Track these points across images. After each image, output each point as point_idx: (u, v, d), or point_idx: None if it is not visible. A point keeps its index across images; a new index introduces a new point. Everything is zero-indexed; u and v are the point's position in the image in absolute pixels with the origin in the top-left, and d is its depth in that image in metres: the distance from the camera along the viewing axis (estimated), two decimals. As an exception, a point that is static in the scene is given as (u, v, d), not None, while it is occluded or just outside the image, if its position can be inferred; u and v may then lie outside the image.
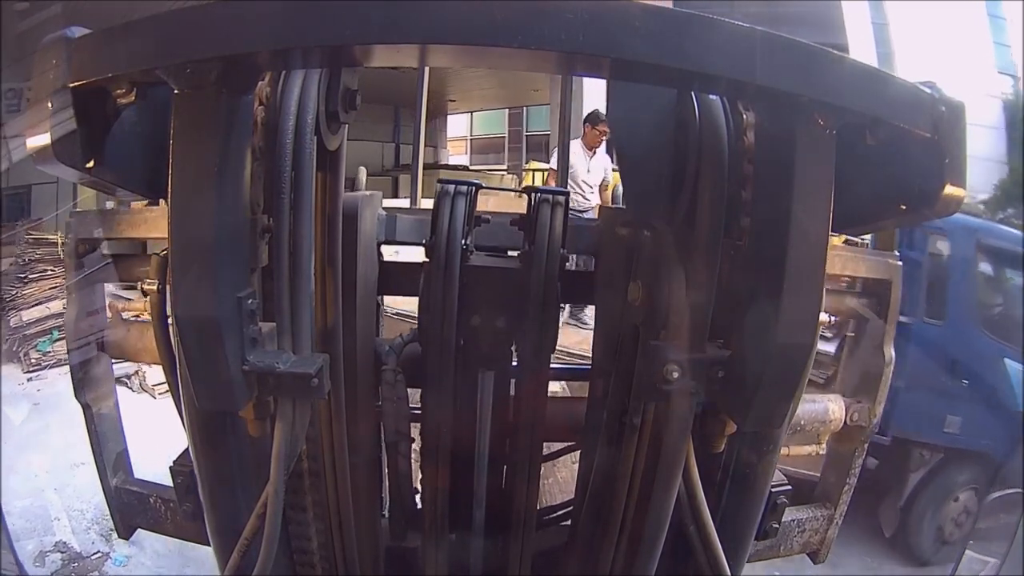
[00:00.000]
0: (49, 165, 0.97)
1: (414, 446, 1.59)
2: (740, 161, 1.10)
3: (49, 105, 0.92)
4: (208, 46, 0.84)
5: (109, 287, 1.71)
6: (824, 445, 1.71)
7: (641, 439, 1.38)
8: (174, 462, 1.57)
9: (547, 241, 1.42)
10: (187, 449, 1.37)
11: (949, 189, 0.94)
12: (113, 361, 1.72)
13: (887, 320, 1.60)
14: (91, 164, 1.03)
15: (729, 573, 1.25)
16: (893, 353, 1.63)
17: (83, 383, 1.67)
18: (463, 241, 1.42)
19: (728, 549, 1.26)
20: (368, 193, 1.64)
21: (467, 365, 1.47)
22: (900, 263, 1.61)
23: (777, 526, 1.54)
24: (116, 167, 1.10)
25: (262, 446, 1.16)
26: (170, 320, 1.22)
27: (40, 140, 0.95)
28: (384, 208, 1.70)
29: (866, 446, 1.75)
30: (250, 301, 1.06)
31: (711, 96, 1.13)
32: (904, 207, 1.03)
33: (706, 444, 1.21)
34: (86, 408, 1.71)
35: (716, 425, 1.19)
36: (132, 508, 1.75)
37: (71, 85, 0.91)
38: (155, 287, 1.34)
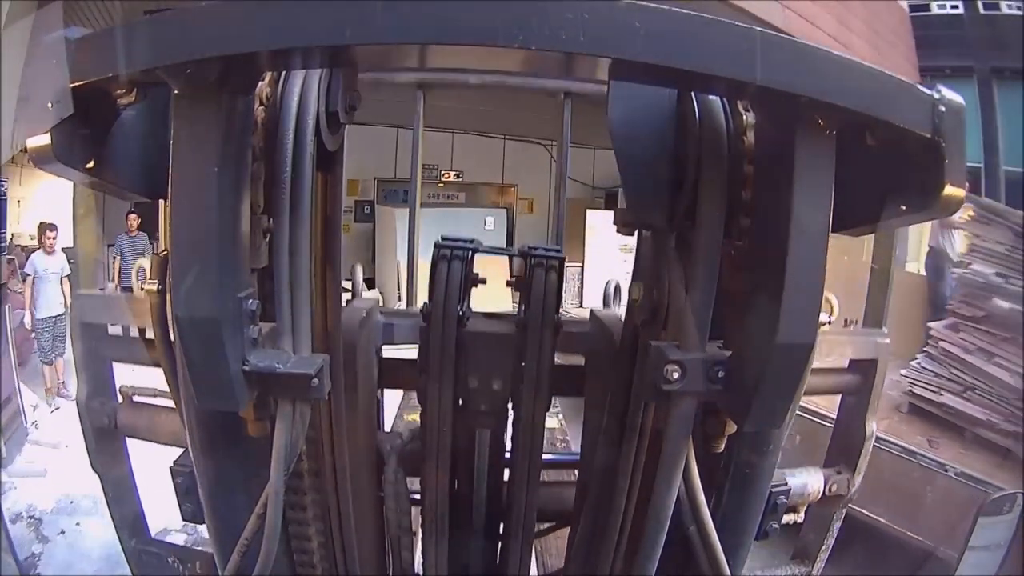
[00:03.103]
0: (49, 165, 0.97)
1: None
2: (740, 161, 1.10)
3: (49, 105, 0.92)
4: (208, 46, 0.84)
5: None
6: (802, 513, 1.75)
7: (641, 439, 1.39)
8: (174, 462, 1.57)
9: (541, 308, 1.48)
10: (187, 449, 1.37)
11: (949, 189, 0.94)
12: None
13: (871, 396, 1.63)
14: (91, 164, 1.03)
15: (729, 573, 1.25)
16: (875, 427, 1.67)
17: (97, 455, 1.73)
18: (459, 308, 1.47)
19: (728, 549, 1.26)
20: (367, 299, 1.76)
21: (464, 423, 1.55)
22: (887, 340, 1.64)
23: (777, 526, 1.54)
24: (116, 167, 1.10)
25: (262, 446, 1.16)
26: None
27: (40, 140, 0.95)
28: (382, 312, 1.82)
29: (844, 510, 1.79)
30: (250, 301, 1.06)
31: (711, 96, 1.13)
32: (904, 207, 1.03)
33: (706, 444, 1.21)
34: (101, 476, 1.77)
35: (716, 425, 1.19)
36: (151, 567, 1.83)
37: (71, 85, 0.91)
38: (155, 287, 1.34)
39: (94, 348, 1.61)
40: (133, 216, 9.08)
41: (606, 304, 1.91)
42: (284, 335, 1.15)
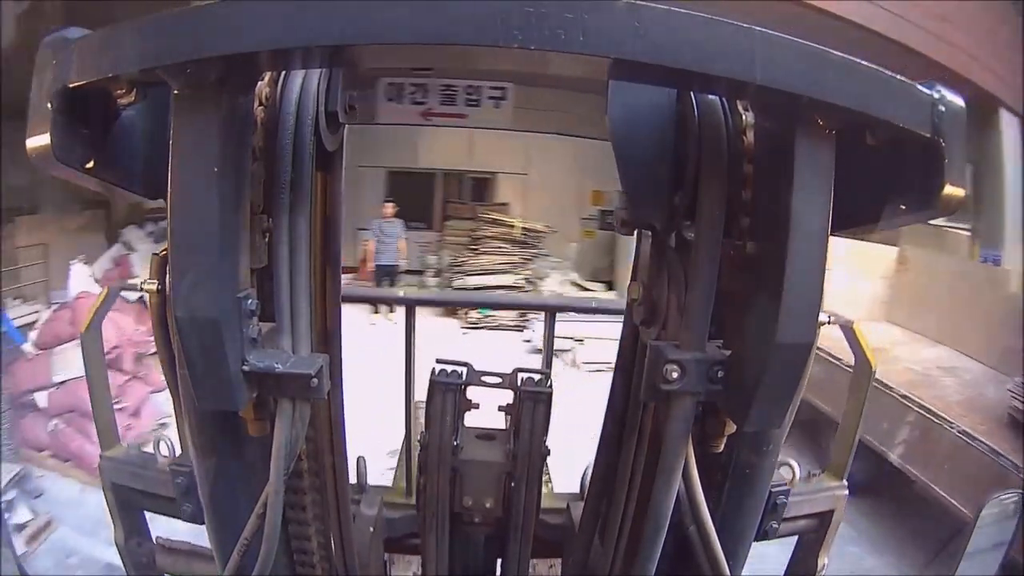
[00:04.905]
0: (49, 165, 0.97)
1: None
2: (740, 161, 1.10)
3: (49, 105, 0.92)
4: (208, 46, 0.84)
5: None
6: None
7: (641, 439, 1.38)
8: (174, 462, 1.57)
9: (530, 439, 1.64)
10: (187, 449, 1.37)
11: (949, 189, 0.94)
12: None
13: (826, 536, 1.76)
14: (91, 164, 1.03)
15: (729, 573, 1.25)
16: (827, 561, 1.81)
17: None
18: (453, 438, 1.65)
19: (728, 549, 1.26)
20: (373, 496, 1.97)
21: (460, 530, 1.74)
22: (845, 492, 1.73)
23: (777, 526, 1.54)
24: (116, 167, 1.10)
25: (262, 446, 1.16)
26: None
27: (40, 140, 0.95)
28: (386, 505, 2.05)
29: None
30: (250, 301, 1.06)
31: (711, 96, 1.13)
32: (904, 207, 1.03)
33: (706, 444, 1.21)
34: None
35: (716, 425, 1.19)
36: None
37: (71, 85, 0.91)
38: (155, 287, 1.34)
39: (125, 501, 1.67)
40: (390, 204, 11.76)
41: (582, 492, 2.06)
42: (283, 335, 1.15)
